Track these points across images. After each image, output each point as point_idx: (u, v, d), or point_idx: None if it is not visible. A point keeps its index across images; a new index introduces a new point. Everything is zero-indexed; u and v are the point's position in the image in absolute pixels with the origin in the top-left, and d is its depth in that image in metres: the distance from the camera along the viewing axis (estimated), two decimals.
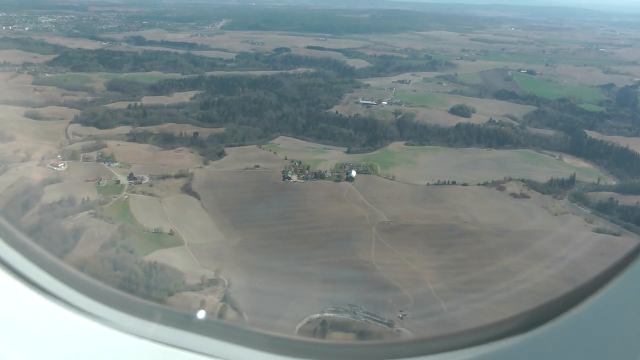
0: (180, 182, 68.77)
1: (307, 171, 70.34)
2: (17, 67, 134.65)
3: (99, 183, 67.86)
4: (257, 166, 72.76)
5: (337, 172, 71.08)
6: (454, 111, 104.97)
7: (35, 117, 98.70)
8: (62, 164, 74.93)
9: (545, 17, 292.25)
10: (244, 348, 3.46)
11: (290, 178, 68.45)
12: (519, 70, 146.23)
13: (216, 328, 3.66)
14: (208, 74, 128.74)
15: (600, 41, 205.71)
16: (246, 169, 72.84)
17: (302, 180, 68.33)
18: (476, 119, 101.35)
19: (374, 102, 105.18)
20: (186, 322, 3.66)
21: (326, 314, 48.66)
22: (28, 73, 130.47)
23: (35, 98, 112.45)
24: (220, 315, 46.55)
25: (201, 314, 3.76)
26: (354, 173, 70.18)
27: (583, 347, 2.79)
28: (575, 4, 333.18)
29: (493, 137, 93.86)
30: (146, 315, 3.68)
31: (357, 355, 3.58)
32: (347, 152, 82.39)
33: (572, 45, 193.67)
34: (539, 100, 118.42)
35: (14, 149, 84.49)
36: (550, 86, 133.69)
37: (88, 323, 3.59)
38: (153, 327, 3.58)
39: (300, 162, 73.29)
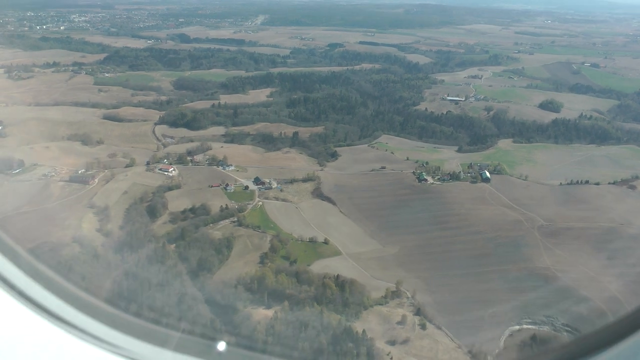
0: (309, 186, 65.41)
1: (440, 172, 66.93)
2: (70, 68, 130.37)
3: (225, 188, 64.34)
4: (384, 167, 69.24)
5: (468, 173, 67.79)
6: (543, 106, 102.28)
7: (115, 119, 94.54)
8: (172, 168, 71.29)
9: (573, 9, 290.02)
10: None
11: (426, 180, 64.88)
12: (583, 63, 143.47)
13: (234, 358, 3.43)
14: (273, 70, 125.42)
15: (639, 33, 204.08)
16: (372, 170, 69.36)
17: (439, 182, 64.75)
18: (567, 114, 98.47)
19: (462, 99, 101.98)
20: (204, 351, 3.54)
21: (524, 326, 45.89)
22: (85, 73, 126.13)
23: (103, 99, 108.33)
24: (422, 327, 43.59)
25: (221, 345, 3.62)
26: (488, 173, 66.91)
27: None
28: None
29: (591, 132, 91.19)
30: (162, 342, 3.49)
31: None
32: (459, 150, 79.18)
33: (617, 37, 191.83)
34: (617, 94, 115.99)
35: (107, 153, 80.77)
36: (619, 79, 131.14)
37: (102, 354, 3.33)
38: (169, 355, 3.39)
39: (427, 163, 69.87)
